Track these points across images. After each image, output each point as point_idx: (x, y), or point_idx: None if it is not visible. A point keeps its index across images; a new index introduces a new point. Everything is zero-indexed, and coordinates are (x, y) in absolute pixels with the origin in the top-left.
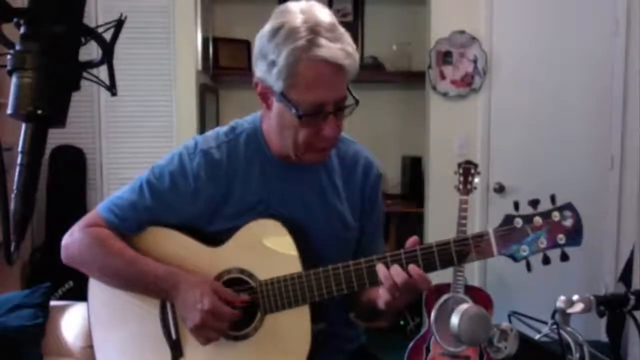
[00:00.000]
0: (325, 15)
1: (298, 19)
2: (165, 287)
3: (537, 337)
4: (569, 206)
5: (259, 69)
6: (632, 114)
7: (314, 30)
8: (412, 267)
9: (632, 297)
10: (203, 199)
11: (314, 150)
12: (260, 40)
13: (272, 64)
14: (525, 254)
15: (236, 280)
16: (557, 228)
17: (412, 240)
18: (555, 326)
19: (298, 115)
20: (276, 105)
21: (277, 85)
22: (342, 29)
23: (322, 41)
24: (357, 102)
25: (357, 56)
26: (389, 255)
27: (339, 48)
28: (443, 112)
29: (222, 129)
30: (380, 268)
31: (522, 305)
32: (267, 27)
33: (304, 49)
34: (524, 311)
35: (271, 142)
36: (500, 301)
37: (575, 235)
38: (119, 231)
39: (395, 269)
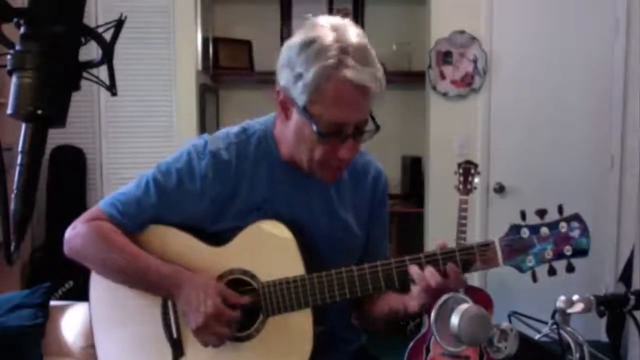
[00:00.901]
0: (356, 36)
1: (329, 37)
2: (168, 285)
3: (537, 337)
4: (576, 217)
5: (284, 78)
6: (632, 114)
7: (345, 50)
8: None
9: (632, 297)
10: (209, 200)
11: (327, 168)
12: (289, 51)
13: (299, 76)
14: (531, 264)
15: (238, 281)
16: (564, 239)
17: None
18: (555, 326)
19: (318, 132)
20: (296, 117)
21: (301, 99)
22: (372, 52)
23: (352, 62)
24: (377, 128)
25: (384, 81)
26: (393, 262)
27: (368, 72)
28: (443, 112)
29: (233, 129)
30: (415, 269)
31: (522, 305)
32: (297, 39)
33: (333, 67)
34: (524, 311)
35: (282, 146)
36: (500, 301)
37: (582, 246)
38: (122, 227)
39: (430, 271)
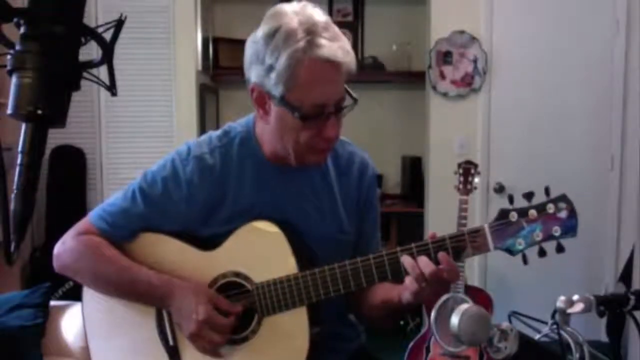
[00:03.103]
0: (319, 14)
1: (294, 21)
2: (160, 295)
3: (537, 337)
4: (563, 198)
5: (255, 74)
6: (632, 114)
7: (312, 30)
8: (422, 259)
9: (632, 297)
10: (197, 204)
11: (315, 152)
12: (254, 45)
13: (270, 68)
14: (521, 247)
15: (232, 284)
16: (552, 220)
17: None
18: (555, 326)
19: (301, 117)
20: (275, 110)
21: (277, 90)
22: (336, 28)
23: (322, 41)
24: (355, 101)
25: (353, 54)
26: (385, 254)
27: (338, 46)
28: (443, 112)
29: (215, 133)
30: (408, 259)
31: (522, 305)
32: (261, 31)
33: (304, 50)
34: (524, 311)
35: (265, 145)
36: (500, 301)
37: (570, 226)
38: (111, 239)
39: (423, 260)
